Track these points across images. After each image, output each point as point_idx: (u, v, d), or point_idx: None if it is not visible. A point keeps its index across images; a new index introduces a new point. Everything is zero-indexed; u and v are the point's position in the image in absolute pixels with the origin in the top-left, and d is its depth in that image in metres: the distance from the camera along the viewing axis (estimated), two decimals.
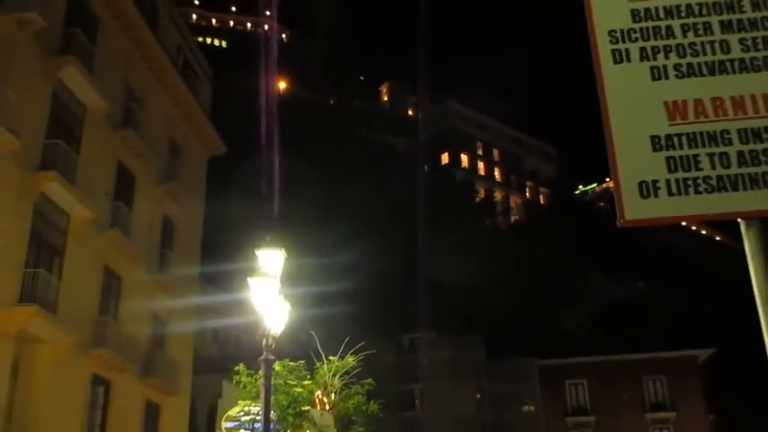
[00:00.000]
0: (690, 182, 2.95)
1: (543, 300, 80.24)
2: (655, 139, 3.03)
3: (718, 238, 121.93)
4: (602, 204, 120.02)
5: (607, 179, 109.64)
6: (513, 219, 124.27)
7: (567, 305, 79.54)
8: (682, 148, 3.00)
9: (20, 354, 24.70)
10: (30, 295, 24.36)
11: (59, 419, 25.45)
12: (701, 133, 3.02)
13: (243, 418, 14.32)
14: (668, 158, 2.99)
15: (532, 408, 60.18)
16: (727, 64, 3.11)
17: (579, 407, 58.76)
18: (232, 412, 14.88)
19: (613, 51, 3.18)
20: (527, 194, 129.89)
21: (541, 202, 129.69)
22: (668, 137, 3.02)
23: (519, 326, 69.27)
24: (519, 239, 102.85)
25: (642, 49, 3.17)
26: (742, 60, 3.11)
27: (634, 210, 2.96)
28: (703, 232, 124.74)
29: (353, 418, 15.72)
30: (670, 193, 2.94)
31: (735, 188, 2.92)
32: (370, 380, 16.09)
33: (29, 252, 24.96)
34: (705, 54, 3.13)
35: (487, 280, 79.82)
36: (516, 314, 73.09)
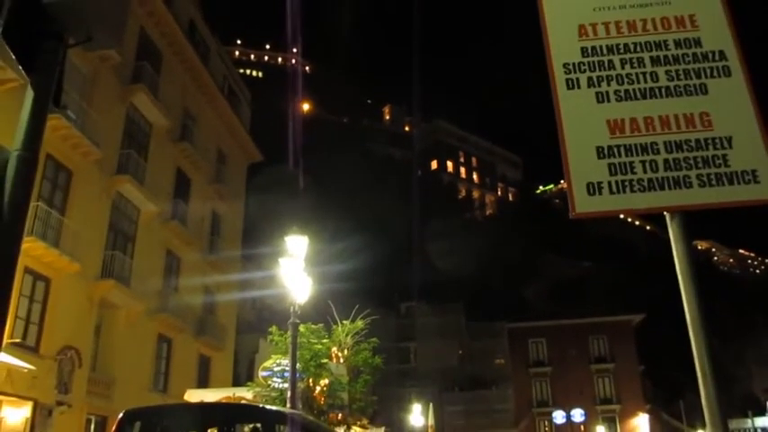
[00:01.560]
0: (626, 183, 2.96)
1: (511, 276, 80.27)
2: (599, 149, 3.04)
3: (648, 228, 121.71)
4: (557, 201, 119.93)
5: (561, 181, 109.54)
6: (487, 212, 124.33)
7: (529, 280, 79.56)
8: (620, 156, 3.01)
9: (102, 317, 24.78)
10: (109, 271, 24.44)
11: (133, 368, 25.53)
12: (635, 145, 3.03)
13: (275, 369, 14.30)
14: (609, 164, 3.00)
15: (503, 361, 60.24)
16: (656, 90, 3.12)
17: (539, 360, 58.84)
18: (267, 364, 14.86)
19: (567, 80, 3.18)
20: (499, 193, 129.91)
21: (510, 199, 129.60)
22: (609, 147, 3.03)
23: (492, 296, 69.31)
24: (492, 229, 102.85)
25: (589, 78, 3.17)
26: (668, 87, 3.12)
27: (583, 205, 2.97)
28: (637, 223, 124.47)
29: (362, 369, 15.72)
30: (611, 192, 2.96)
31: (662, 188, 2.93)
32: (374, 339, 16.09)
33: (108, 238, 25.03)
34: (639, 82, 3.14)
35: (467, 260, 79.82)
36: (490, 287, 73.09)
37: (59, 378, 21.50)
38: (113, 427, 7.88)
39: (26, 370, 17.81)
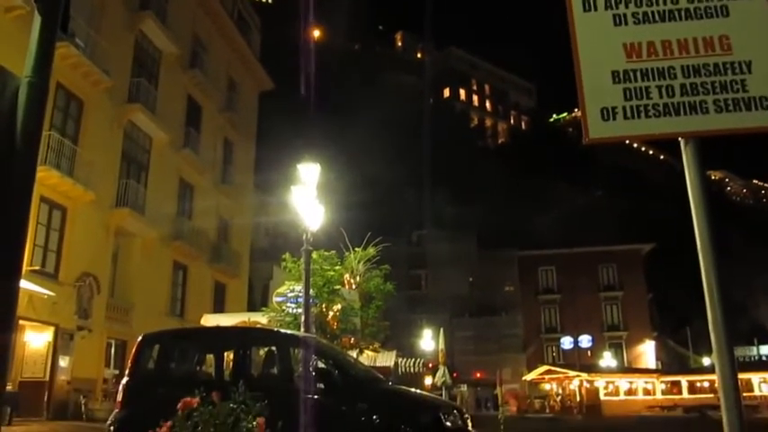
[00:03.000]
0: (641, 108, 2.91)
1: (522, 204, 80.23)
2: (614, 74, 2.97)
3: (662, 157, 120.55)
4: (570, 130, 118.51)
5: (575, 110, 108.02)
6: (500, 141, 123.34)
7: (540, 209, 79.53)
8: (636, 80, 2.95)
9: (118, 245, 25.13)
10: (124, 200, 24.65)
11: (150, 294, 26.06)
12: (651, 69, 2.96)
13: (289, 294, 14.53)
14: (625, 89, 2.95)
15: (512, 288, 60.86)
16: (675, 12, 3.03)
17: (548, 288, 59.47)
18: (281, 290, 15.10)
19: (583, 1, 3.10)
20: (511, 122, 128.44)
21: (523, 128, 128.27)
22: (625, 72, 2.97)
23: (503, 225, 69.45)
24: (504, 157, 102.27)
25: (607, 0, 3.08)
26: (687, 9, 3.02)
27: (596, 130, 2.93)
28: (650, 152, 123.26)
29: (374, 295, 15.92)
30: (625, 117, 2.91)
31: (677, 113, 2.89)
32: (386, 266, 16.25)
33: (121, 167, 25.14)
34: (657, 4, 3.05)
35: (479, 189, 79.78)
36: (501, 215, 73.18)
37: (79, 304, 22.01)
38: (133, 351, 8.11)
39: (46, 296, 18.24)
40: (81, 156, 21.93)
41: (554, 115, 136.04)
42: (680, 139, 2.92)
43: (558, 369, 48.16)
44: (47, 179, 19.86)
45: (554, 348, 57.13)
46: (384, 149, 74.23)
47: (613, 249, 57.71)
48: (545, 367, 49.29)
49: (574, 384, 46.47)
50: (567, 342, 53.08)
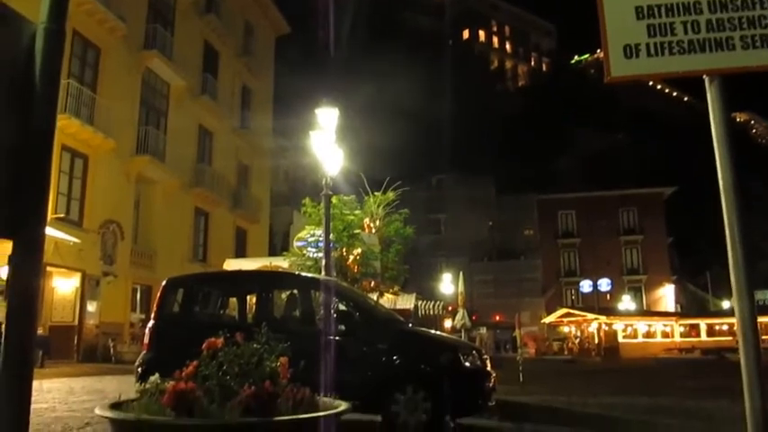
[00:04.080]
0: (665, 45, 2.84)
1: (542, 148, 79.48)
2: (638, 9, 2.89)
3: (685, 99, 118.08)
4: (592, 71, 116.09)
5: (598, 50, 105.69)
6: (520, 83, 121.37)
7: (560, 152, 78.79)
8: (660, 16, 2.87)
9: (140, 192, 25.37)
10: (144, 147, 24.77)
11: (173, 240, 26.41)
12: (676, 4, 2.88)
13: (309, 239, 14.63)
14: (649, 26, 2.87)
15: (531, 232, 60.78)
16: None
17: (568, 231, 59.29)
18: (301, 234, 15.21)
19: None
20: (532, 63, 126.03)
21: (543, 70, 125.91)
22: (650, 7, 2.89)
23: (522, 168, 68.99)
24: (524, 100, 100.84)
25: None
26: None
27: (619, 68, 2.87)
28: (674, 94, 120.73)
29: (393, 239, 15.98)
30: (649, 54, 2.84)
31: (702, 50, 2.82)
32: (406, 210, 16.27)
33: (140, 114, 25.18)
34: None
35: (498, 132, 79.01)
36: (521, 159, 72.65)
37: (104, 250, 22.40)
38: (158, 294, 8.27)
39: (72, 243, 18.56)
40: (100, 104, 21.98)
41: (575, 57, 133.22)
42: (704, 77, 2.86)
43: (577, 312, 48.43)
44: (67, 127, 19.98)
45: (573, 292, 57.32)
46: (402, 93, 73.48)
47: (634, 193, 57.22)
48: (564, 310, 49.58)
49: (592, 327, 46.78)
50: (586, 285, 53.16)
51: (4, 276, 15.96)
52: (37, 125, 2.83)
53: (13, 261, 2.79)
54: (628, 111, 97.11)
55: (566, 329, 50.89)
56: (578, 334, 48.89)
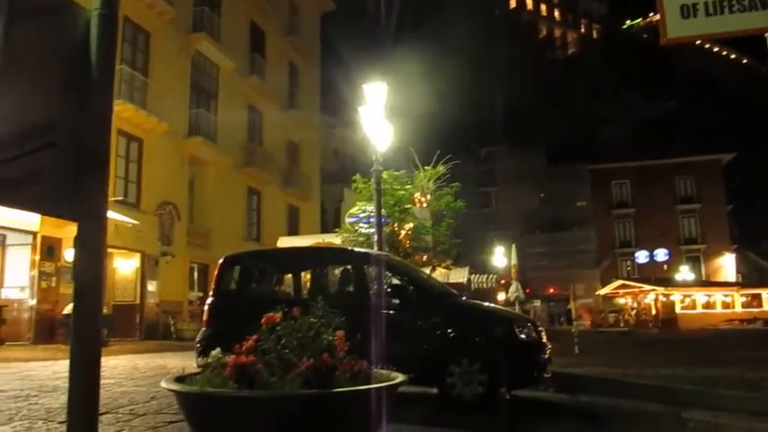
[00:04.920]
0: (725, 3, 2.73)
1: (594, 117, 77.84)
2: None
3: (744, 61, 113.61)
4: (645, 36, 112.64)
5: (651, 14, 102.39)
6: (569, 51, 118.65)
7: (613, 121, 77.07)
8: None
9: (193, 173, 25.86)
10: (195, 129, 25.20)
11: (227, 220, 26.89)
12: None
13: (361, 215, 14.70)
14: None
15: (584, 203, 59.79)
16: None
17: (622, 201, 58.23)
18: (353, 210, 15.30)
19: None
20: (582, 30, 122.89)
21: (594, 36, 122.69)
22: None
23: (575, 138, 67.72)
24: (575, 69, 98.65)
25: None
26: None
27: (675, 29, 2.78)
28: (732, 56, 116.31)
29: (444, 212, 15.94)
30: (707, 14, 2.74)
31: (764, 7, 2.70)
32: (456, 183, 16.18)
33: (191, 96, 25.57)
34: None
35: (549, 102, 77.65)
36: (572, 129, 71.31)
37: (161, 231, 22.98)
38: (215, 272, 8.45)
39: (131, 225, 19.07)
40: (152, 87, 22.41)
41: (627, 21, 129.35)
42: (766, 35, 2.74)
43: (633, 283, 47.66)
44: (122, 112, 20.44)
45: (628, 263, 56.37)
46: (450, 66, 72.71)
47: (691, 160, 55.66)
48: (619, 282, 48.85)
49: (649, 298, 46.00)
50: (642, 256, 52.18)
51: (70, 259, 16.62)
52: (96, 110, 2.91)
53: (78, 243, 2.90)
54: (682, 76, 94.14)
55: (621, 301, 50.17)
56: (634, 305, 48.14)
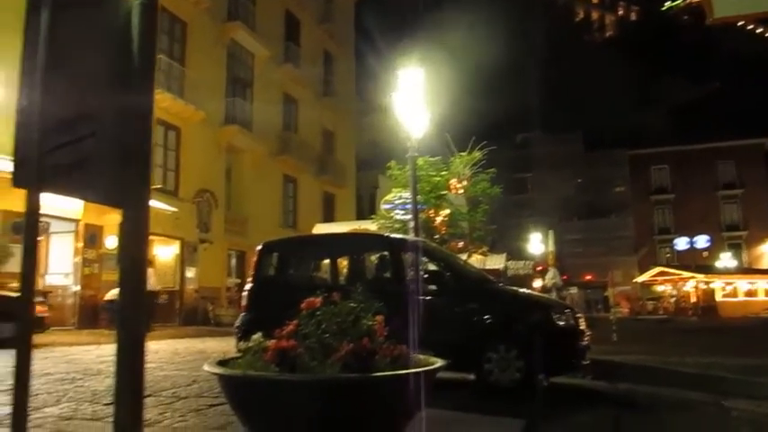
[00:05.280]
0: None
1: (633, 101, 76.46)
2: None
3: None
4: (685, 17, 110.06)
5: None
6: (607, 34, 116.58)
7: (652, 105, 75.60)
8: None
9: (230, 161, 26.11)
10: (232, 117, 25.41)
11: (263, 207, 27.15)
12: None
13: (396, 201, 14.67)
14: None
15: (622, 189, 58.87)
16: None
17: (661, 187, 57.22)
18: (388, 197, 15.27)
19: None
20: (620, 13, 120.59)
21: (632, 18, 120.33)
22: None
23: (612, 123, 66.55)
24: (612, 51, 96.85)
25: None
26: None
27: (722, 8, 2.70)
28: None
29: (480, 199, 15.82)
30: None
31: None
32: (493, 169, 16.05)
33: (227, 85, 25.77)
34: None
35: (585, 86, 76.43)
36: (610, 113, 70.10)
37: (199, 218, 23.30)
38: (254, 258, 8.54)
39: (169, 212, 19.36)
40: (189, 77, 22.65)
41: (667, 3, 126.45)
42: None
43: (672, 270, 46.86)
44: (160, 101, 20.71)
45: (667, 250, 55.43)
46: (485, 50, 71.95)
47: (733, 145, 54.38)
48: (658, 269, 48.07)
49: (688, 286, 45.20)
50: (681, 243, 51.21)
51: (111, 246, 16.84)
52: (138, 99, 2.96)
53: (122, 229, 2.95)
54: (724, 58, 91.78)
55: (660, 288, 49.38)
56: (674, 293, 47.37)
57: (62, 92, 2.52)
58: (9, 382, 5.98)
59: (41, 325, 12.48)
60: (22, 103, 2.44)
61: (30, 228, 2.40)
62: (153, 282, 17.01)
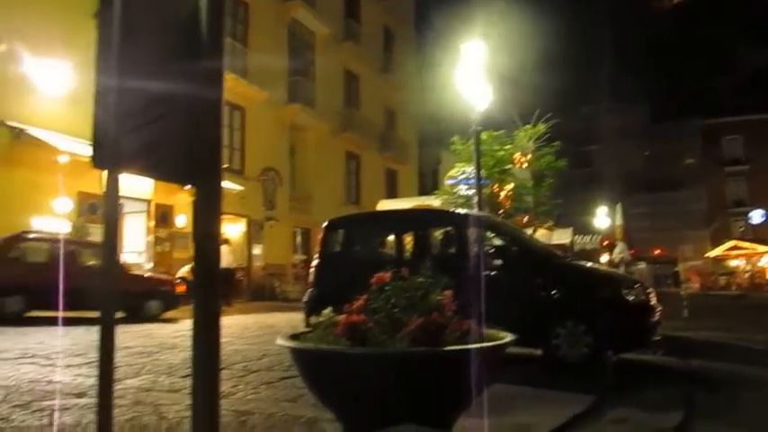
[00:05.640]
0: None
1: (703, 69, 73.46)
2: None
3: None
4: None
5: None
6: (676, 0, 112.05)
7: (724, 73, 72.44)
8: None
9: (293, 140, 26.40)
10: (294, 96, 25.64)
11: (327, 184, 27.41)
12: None
13: (460, 177, 14.56)
14: None
15: (693, 161, 56.88)
16: None
17: (735, 158, 54.98)
18: (452, 172, 15.18)
19: None
20: None
21: None
22: None
23: (682, 93, 64.20)
24: (681, 17, 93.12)
25: None
26: None
27: None
28: None
29: (545, 172, 15.56)
30: None
31: None
32: (557, 142, 15.74)
33: (289, 64, 25.97)
34: None
35: (653, 55, 73.92)
36: (679, 83, 67.58)
37: (265, 196, 23.72)
38: (320, 235, 8.66)
39: (236, 191, 19.76)
40: (251, 57, 22.94)
41: None
42: None
43: (746, 244, 45.22)
44: (225, 82, 20.80)
45: (741, 223, 53.39)
46: (549, 21, 70.24)
47: None
48: (731, 243, 46.47)
49: (764, 261, 43.56)
50: (756, 216, 49.27)
51: (181, 225, 17.43)
52: (207, 79, 3.02)
53: (195, 206, 3.03)
54: None
55: (733, 263, 47.73)
56: (748, 268, 45.72)
57: (136, 74, 2.58)
58: (91, 355, 6.27)
59: (179, 302, 13.79)
60: (98, 87, 2.52)
61: (110, 207, 2.48)
62: (230, 260, 17.55)
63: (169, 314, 13.40)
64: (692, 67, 73.51)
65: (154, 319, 12.75)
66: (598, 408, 4.49)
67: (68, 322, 10.50)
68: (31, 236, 12.87)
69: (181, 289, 13.93)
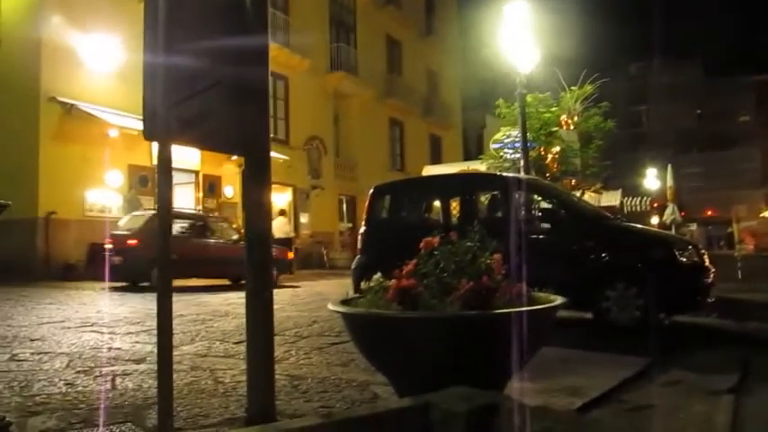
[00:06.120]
0: None
1: (757, 22, 70.55)
2: None
3: None
4: None
5: None
6: None
7: None
8: None
9: (337, 107, 26.40)
10: (337, 63, 25.59)
11: (371, 152, 27.41)
12: None
13: (505, 140, 14.38)
14: None
15: (748, 118, 55.06)
16: None
17: None
18: (497, 136, 14.99)
19: None
20: None
21: None
22: None
23: (735, 47, 61.96)
24: None
25: None
26: None
27: None
28: None
29: (593, 134, 15.25)
30: None
31: None
32: (605, 103, 15.38)
33: (330, 31, 25.88)
34: None
35: (704, 7, 71.20)
36: (732, 37, 65.13)
37: (310, 165, 23.88)
38: (367, 202, 8.69)
39: (282, 160, 19.92)
40: (293, 25, 22.91)
41: None
42: None
43: None
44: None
45: None
46: None
47: None
48: None
49: None
50: None
51: (229, 195, 17.80)
52: (254, 50, 3.05)
53: (245, 176, 3.08)
54: None
55: None
56: None
57: (183, 47, 2.61)
58: (148, 323, 6.46)
59: (291, 268, 15.42)
60: (147, 60, 2.56)
61: (163, 178, 2.53)
62: (288, 229, 18.16)
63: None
64: (747, 19, 70.66)
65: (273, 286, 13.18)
66: (650, 370, 4.45)
67: (194, 290, 11.96)
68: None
69: (291, 255, 15.07)
